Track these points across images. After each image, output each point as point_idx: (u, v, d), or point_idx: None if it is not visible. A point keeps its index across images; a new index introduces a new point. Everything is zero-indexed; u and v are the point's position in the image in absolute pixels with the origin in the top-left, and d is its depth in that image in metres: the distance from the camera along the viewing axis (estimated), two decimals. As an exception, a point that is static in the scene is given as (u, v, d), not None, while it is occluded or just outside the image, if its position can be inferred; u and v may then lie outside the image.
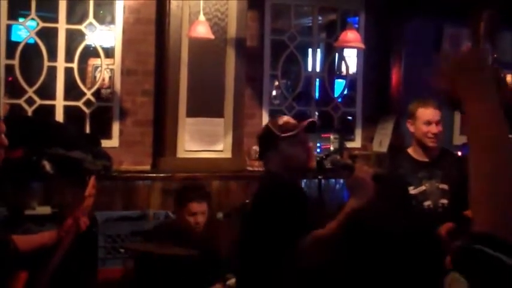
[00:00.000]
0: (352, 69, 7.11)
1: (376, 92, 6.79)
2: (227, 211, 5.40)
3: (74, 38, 5.96)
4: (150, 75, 5.96)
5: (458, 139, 6.82)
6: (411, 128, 4.01)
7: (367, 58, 6.73)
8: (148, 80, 5.96)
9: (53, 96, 5.81)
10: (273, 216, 2.78)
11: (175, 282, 3.93)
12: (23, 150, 4.74)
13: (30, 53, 5.86)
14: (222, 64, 5.82)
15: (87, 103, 5.89)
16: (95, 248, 5.02)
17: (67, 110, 5.84)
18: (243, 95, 5.98)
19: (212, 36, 5.45)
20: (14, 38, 6.31)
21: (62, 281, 3.31)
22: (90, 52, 6.20)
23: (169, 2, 5.65)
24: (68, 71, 5.81)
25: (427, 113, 3.94)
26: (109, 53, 6.02)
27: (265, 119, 6.32)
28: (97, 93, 6.10)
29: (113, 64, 5.96)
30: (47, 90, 5.85)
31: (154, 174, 5.68)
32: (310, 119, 3.09)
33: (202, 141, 5.78)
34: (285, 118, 3.12)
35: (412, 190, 3.87)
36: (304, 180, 5.11)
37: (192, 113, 5.74)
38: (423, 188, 3.90)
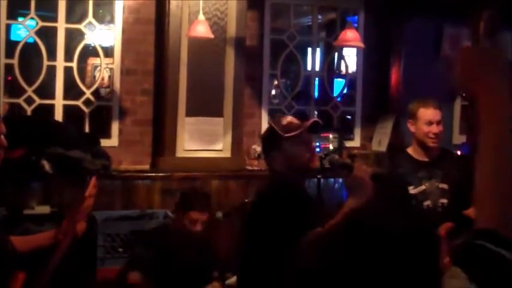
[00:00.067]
0: (352, 68, 7.11)
1: (375, 92, 6.79)
2: (226, 210, 5.41)
3: (73, 37, 5.96)
4: (149, 75, 5.96)
5: (458, 138, 6.83)
6: (412, 128, 4.00)
7: (366, 57, 6.73)
8: (148, 79, 5.96)
9: (52, 96, 5.80)
10: (274, 216, 2.79)
11: (174, 281, 3.93)
12: (23, 150, 4.74)
13: (30, 53, 5.86)
14: (222, 63, 5.82)
15: (87, 102, 5.88)
16: (94, 247, 5.01)
17: (66, 109, 5.84)
18: (242, 94, 5.98)
19: (212, 36, 5.45)
20: (13, 38, 6.31)
21: (61, 281, 3.30)
22: (90, 51, 6.20)
23: (169, 1, 5.65)
24: (68, 71, 5.81)
25: (428, 113, 3.94)
26: (108, 52, 6.02)
27: (265, 119, 6.32)
28: (96, 93, 6.11)
29: (113, 63, 5.95)
30: (46, 90, 5.85)
31: (153, 174, 5.68)
32: (314, 119, 3.09)
33: (202, 141, 5.78)
34: (289, 118, 3.12)
35: (412, 190, 3.87)
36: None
37: (191, 112, 5.74)
38: (423, 187, 3.90)
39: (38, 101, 5.72)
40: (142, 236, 4.59)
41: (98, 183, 3.36)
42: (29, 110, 5.69)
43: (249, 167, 5.96)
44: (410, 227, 1.42)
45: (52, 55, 5.76)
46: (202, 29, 5.38)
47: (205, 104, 5.79)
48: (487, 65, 1.39)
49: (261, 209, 2.93)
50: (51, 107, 5.79)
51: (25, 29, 5.89)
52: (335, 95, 6.89)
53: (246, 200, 4.75)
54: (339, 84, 7.31)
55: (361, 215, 1.58)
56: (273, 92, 7.71)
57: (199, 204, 4.14)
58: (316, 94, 6.98)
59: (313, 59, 6.95)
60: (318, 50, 7.43)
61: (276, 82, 7.29)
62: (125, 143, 5.90)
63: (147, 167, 5.88)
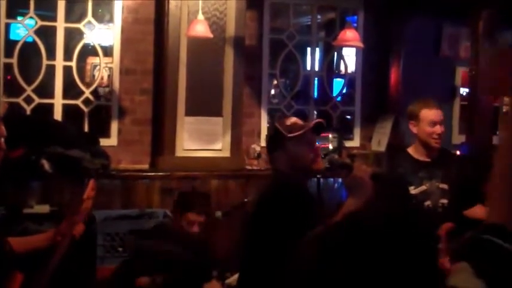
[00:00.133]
0: (351, 68, 7.11)
1: (375, 91, 6.79)
2: (226, 210, 5.40)
3: (72, 36, 5.95)
4: (148, 74, 5.96)
5: (457, 138, 6.84)
6: (414, 130, 3.99)
7: (366, 57, 6.73)
8: (147, 79, 5.96)
9: (51, 95, 5.80)
10: (276, 215, 2.79)
11: (174, 280, 3.93)
12: (22, 149, 4.74)
13: (29, 52, 5.86)
14: (221, 63, 5.81)
15: (86, 102, 5.88)
16: (93, 246, 5.01)
17: (66, 108, 5.83)
18: (241, 94, 5.98)
19: (211, 36, 5.44)
20: (12, 37, 6.31)
21: (61, 280, 3.30)
22: (89, 51, 6.20)
23: (168, 1, 5.64)
24: (67, 70, 5.80)
25: (431, 114, 3.94)
26: (108, 51, 6.02)
27: (264, 118, 6.33)
28: (96, 92, 6.11)
29: (112, 63, 5.95)
30: (45, 89, 5.85)
31: (152, 173, 5.68)
32: (318, 120, 3.09)
33: (201, 140, 5.78)
34: (293, 119, 3.12)
35: (413, 190, 3.87)
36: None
37: (190, 112, 5.74)
38: (424, 187, 3.90)
39: (37, 100, 5.72)
40: (141, 235, 4.59)
41: (97, 183, 3.36)
42: (28, 109, 5.68)
43: (248, 167, 5.96)
44: (410, 227, 1.42)
45: (51, 54, 5.75)
46: (201, 29, 5.37)
47: (204, 104, 5.79)
48: None
49: (264, 208, 2.93)
50: (51, 107, 5.79)
51: (24, 28, 5.88)
52: (334, 94, 6.90)
53: (246, 200, 4.74)
54: (338, 84, 7.31)
55: (360, 215, 1.58)
56: (272, 91, 7.71)
57: (198, 205, 4.14)
58: (315, 94, 6.98)
59: (313, 59, 6.95)
60: (317, 49, 7.43)
61: (275, 82, 7.30)
62: (124, 143, 5.90)
63: (146, 166, 5.88)
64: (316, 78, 6.95)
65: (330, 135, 6.15)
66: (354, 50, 6.86)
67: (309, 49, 7.12)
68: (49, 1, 5.83)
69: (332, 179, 5.92)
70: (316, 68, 7.10)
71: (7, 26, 5.81)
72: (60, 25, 5.77)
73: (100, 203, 4.65)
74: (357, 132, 6.80)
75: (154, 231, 4.22)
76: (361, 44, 6.02)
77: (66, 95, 5.85)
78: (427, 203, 3.87)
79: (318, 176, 4.65)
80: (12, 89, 5.74)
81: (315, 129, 3.02)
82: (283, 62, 6.61)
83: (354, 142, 6.76)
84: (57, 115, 5.78)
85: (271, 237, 2.77)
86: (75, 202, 3.31)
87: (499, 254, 1.24)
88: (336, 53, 7.25)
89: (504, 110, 4.85)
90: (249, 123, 6.19)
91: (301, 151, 2.98)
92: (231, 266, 4.29)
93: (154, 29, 5.93)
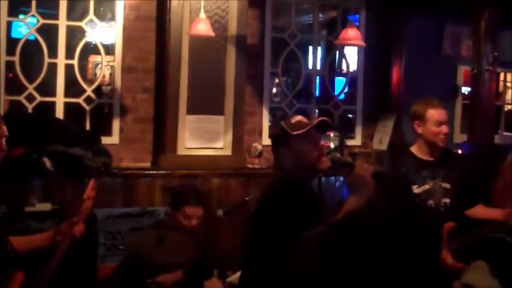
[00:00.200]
0: (353, 67, 7.11)
1: (376, 90, 6.79)
2: (227, 208, 5.40)
3: (74, 34, 5.95)
4: (150, 73, 5.96)
5: (459, 137, 6.84)
6: (419, 130, 3.98)
7: (367, 56, 6.73)
8: (149, 77, 5.96)
9: (53, 93, 5.81)
10: (280, 214, 2.78)
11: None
12: (24, 147, 4.74)
13: (31, 50, 5.86)
14: (223, 62, 5.81)
15: (88, 100, 5.88)
16: (94, 245, 5.02)
17: (67, 106, 5.84)
18: (243, 92, 5.98)
19: (213, 34, 5.45)
20: (14, 35, 6.31)
21: (62, 278, 3.31)
22: (91, 49, 6.20)
23: (170, -1, 5.65)
24: (69, 68, 5.81)
25: (437, 114, 3.94)
26: (109, 50, 6.02)
27: (266, 117, 6.33)
28: (97, 90, 6.11)
29: (114, 61, 5.95)
30: (47, 87, 5.85)
31: (154, 172, 5.68)
32: (322, 118, 3.08)
33: (203, 139, 5.78)
34: (298, 118, 3.11)
35: (416, 189, 3.87)
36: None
37: (192, 110, 5.74)
38: (427, 186, 3.90)
39: (38, 98, 5.72)
40: (140, 235, 4.59)
41: (99, 181, 3.36)
42: (29, 107, 5.69)
43: (249, 165, 5.97)
44: (413, 226, 1.42)
45: (53, 52, 5.76)
46: (203, 27, 5.37)
47: (206, 102, 5.79)
48: None
49: (267, 206, 2.93)
50: (52, 105, 5.79)
51: (26, 27, 5.89)
52: (336, 93, 6.89)
53: (247, 198, 4.74)
54: (339, 83, 7.32)
55: (362, 214, 1.59)
56: (274, 90, 7.72)
57: (192, 198, 4.13)
58: (317, 92, 6.98)
59: (314, 58, 6.96)
60: (319, 48, 7.43)
61: (277, 80, 7.30)
62: (126, 141, 5.90)
63: (147, 164, 5.88)
64: (317, 77, 6.95)
65: (332, 134, 6.15)
66: (355, 48, 6.86)
67: (310, 48, 7.13)
68: (51, -1, 5.84)
69: (334, 178, 5.92)
70: (318, 67, 7.10)
71: (9, 24, 5.81)
72: (62, 23, 5.77)
73: (101, 201, 4.66)
74: (358, 131, 6.80)
75: (154, 230, 4.22)
76: (362, 43, 6.02)
77: (67, 93, 5.85)
78: (430, 202, 3.87)
79: (320, 174, 4.65)
80: (14, 87, 5.74)
81: (319, 128, 3.02)
82: (285, 61, 6.61)
83: (356, 141, 6.76)
84: (59, 113, 5.78)
85: (274, 235, 2.77)
86: (75, 202, 3.32)
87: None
88: (337, 52, 7.25)
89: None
90: (250, 121, 6.19)
91: (306, 149, 2.97)
92: (232, 264, 4.29)
93: (156, 27, 5.94)
